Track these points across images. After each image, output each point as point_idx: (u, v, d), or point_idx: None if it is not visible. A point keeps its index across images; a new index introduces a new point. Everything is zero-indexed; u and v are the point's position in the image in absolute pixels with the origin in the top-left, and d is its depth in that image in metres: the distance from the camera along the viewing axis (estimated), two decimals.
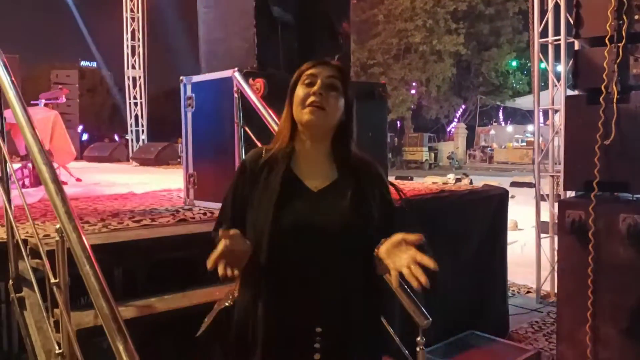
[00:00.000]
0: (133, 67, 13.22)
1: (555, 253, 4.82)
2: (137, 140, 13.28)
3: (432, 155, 27.86)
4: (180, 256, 2.66)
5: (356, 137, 1.58)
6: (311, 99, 1.47)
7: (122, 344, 1.55)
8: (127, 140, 14.26)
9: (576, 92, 3.88)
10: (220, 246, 1.29)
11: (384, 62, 26.17)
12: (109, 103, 33.10)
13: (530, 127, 29.83)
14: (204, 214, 3.37)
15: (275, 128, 3.02)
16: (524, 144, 26.26)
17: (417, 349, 2.05)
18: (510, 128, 33.62)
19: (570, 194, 3.94)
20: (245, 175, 1.51)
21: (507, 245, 4.65)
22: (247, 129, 3.24)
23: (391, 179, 4.99)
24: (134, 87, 13.33)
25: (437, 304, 3.91)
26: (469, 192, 4.42)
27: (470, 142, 30.38)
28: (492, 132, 33.38)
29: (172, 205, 3.83)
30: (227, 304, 1.55)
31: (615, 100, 3.40)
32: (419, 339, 2.04)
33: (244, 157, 3.30)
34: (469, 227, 4.29)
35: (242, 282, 1.49)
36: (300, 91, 1.50)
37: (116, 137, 25.59)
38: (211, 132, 3.69)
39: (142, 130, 13.44)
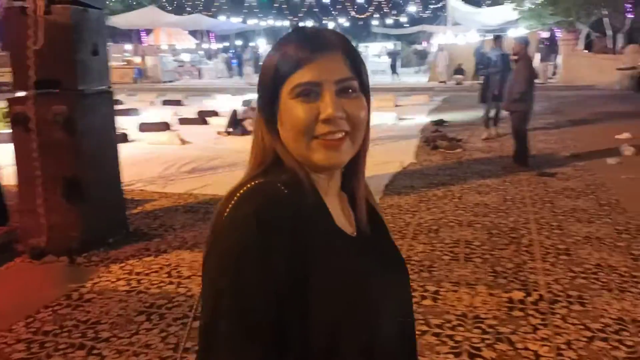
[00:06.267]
0: None
1: None
2: None
3: None
4: None
5: None
6: (322, 129, 0.86)
7: None
8: None
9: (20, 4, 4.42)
10: None
11: None
12: None
13: (127, 46, 30.23)
14: None
15: None
16: (124, 63, 26.38)
17: None
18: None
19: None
20: (284, 245, 0.83)
21: None
22: None
23: None
24: None
25: None
26: None
27: None
28: None
29: None
30: None
31: (43, 12, 4.12)
32: None
33: None
34: None
35: None
36: (297, 110, 0.86)
37: None
38: None
39: None
